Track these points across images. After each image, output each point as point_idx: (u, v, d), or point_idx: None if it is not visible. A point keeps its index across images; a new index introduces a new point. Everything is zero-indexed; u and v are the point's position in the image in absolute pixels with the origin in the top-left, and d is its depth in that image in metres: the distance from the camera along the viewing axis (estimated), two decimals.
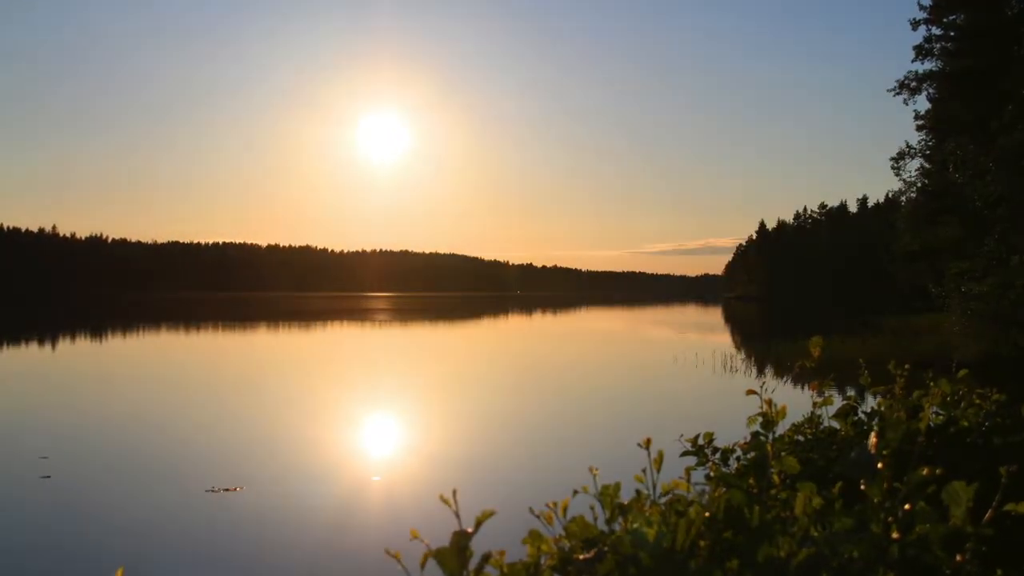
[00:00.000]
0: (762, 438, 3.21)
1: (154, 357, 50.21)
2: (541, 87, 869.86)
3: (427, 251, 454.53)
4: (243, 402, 28.83)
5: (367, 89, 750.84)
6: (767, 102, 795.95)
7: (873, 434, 2.18)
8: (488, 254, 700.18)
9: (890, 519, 2.04)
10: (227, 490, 15.70)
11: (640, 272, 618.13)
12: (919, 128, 67.03)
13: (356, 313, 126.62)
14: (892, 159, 68.50)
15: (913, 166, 68.63)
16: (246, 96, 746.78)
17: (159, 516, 14.46)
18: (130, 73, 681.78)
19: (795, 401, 3.91)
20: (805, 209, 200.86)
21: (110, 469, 18.10)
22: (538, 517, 2.32)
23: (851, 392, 4.67)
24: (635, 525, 2.24)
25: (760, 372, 38.11)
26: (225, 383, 35.46)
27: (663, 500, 2.45)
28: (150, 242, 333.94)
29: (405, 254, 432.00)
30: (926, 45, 65.14)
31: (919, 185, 68.86)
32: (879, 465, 2.09)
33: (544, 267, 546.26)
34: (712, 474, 3.62)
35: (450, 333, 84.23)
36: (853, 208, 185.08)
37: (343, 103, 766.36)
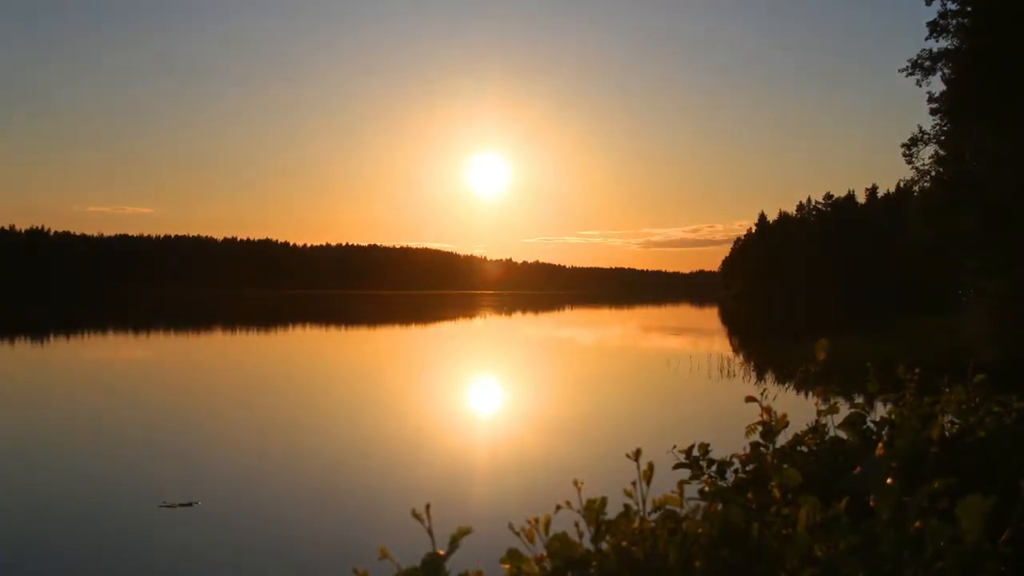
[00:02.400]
0: (762, 449, 3.22)
1: (104, 361, 49.95)
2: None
3: (398, 245, 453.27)
4: (199, 409, 28.70)
5: (473, 129, 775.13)
6: (765, 82, 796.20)
7: (881, 444, 2.19)
8: (464, 249, 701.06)
9: (900, 536, 2.05)
10: (182, 505, 15.64)
11: (630, 268, 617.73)
12: (933, 111, 67.07)
13: (312, 314, 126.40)
14: (904, 145, 68.64)
15: (927, 153, 68.72)
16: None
17: (107, 533, 14.39)
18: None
19: (798, 409, 3.93)
20: (809, 200, 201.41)
21: (53, 482, 17.96)
22: (518, 534, 2.33)
23: (859, 399, 4.69)
24: (623, 543, 2.25)
25: (760, 377, 38.20)
26: (178, 389, 35.30)
27: (654, 516, 2.46)
28: (96, 235, 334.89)
29: (373, 248, 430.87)
30: (941, 21, 65.28)
31: (933, 174, 68.97)
32: (888, 479, 2.10)
33: (525, 262, 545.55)
34: (707, 488, 3.63)
35: (423, 334, 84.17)
36: (861, 199, 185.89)
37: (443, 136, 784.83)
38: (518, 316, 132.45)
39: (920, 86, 67.01)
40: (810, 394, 4.21)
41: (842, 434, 4.19)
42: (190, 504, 15.73)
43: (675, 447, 3.95)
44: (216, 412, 28.15)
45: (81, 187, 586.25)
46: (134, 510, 15.60)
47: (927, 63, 65.72)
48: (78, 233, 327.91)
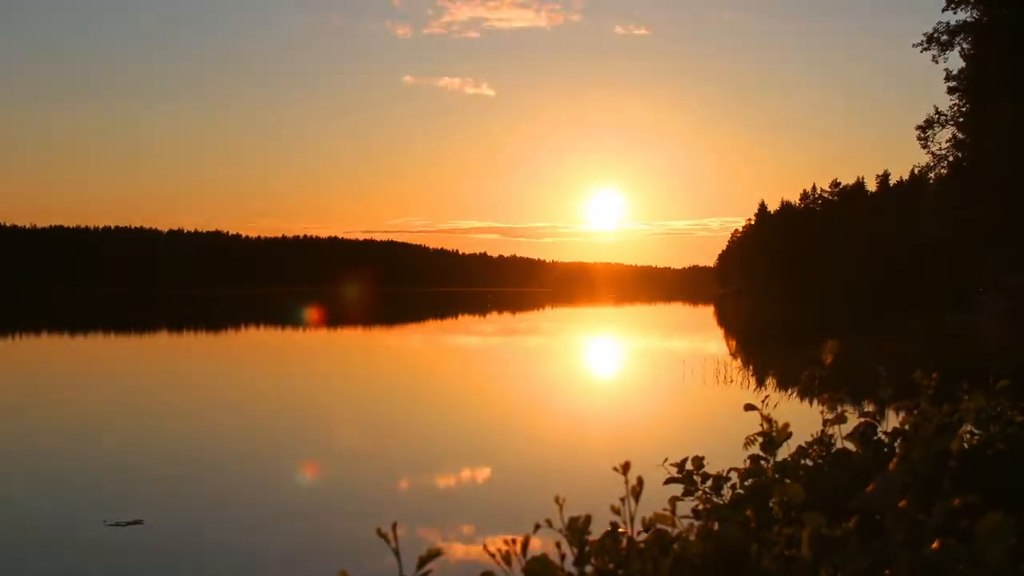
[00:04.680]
0: (762, 462, 3.23)
1: (32, 369, 49.76)
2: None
3: (361, 238, 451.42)
4: (142, 422, 28.59)
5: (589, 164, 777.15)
6: (764, 57, 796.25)
7: (894, 458, 2.20)
8: (435, 242, 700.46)
9: (915, 559, 2.05)
10: (128, 523, 15.64)
11: (616, 263, 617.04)
12: (951, 90, 66.89)
13: (272, 314, 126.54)
14: (918, 128, 68.46)
15: (944, 136, 68.53)
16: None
17: (49, 553, 14.43)
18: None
19: (801, 418, 3.93)
20: (814, 188, 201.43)
21: None
22: (493, 556, 2.32)
23: (869, 407, 4.70)
24: (609, 566, 2.25)
25: (760, 383, 38.27)
26: (119, 400, 35.17)
27: (643, 536, 2.46)
28: (28, 226, 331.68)
29: (333, 241, 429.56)
30: None
31: (951, 159, 68.86)
32: (902, 497, 2.11)
33: (501, 257, 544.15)
34: (702, 505, 3.64)
35: (392, 337, 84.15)
36: (872, 186, 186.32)
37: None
38: (493, 317, 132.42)
39: (936, 62, 66.96)
40: (815, 402, 4.21)
41: (850, 446, 4.19)
42: (136, 522, 15.74)
43: (667, 460, 3.96)
44: (161, 425, 28.03)
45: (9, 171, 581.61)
46: (77, 529, 15.62)
47: (944, 37, 65.61)
48: (8, 224, 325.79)
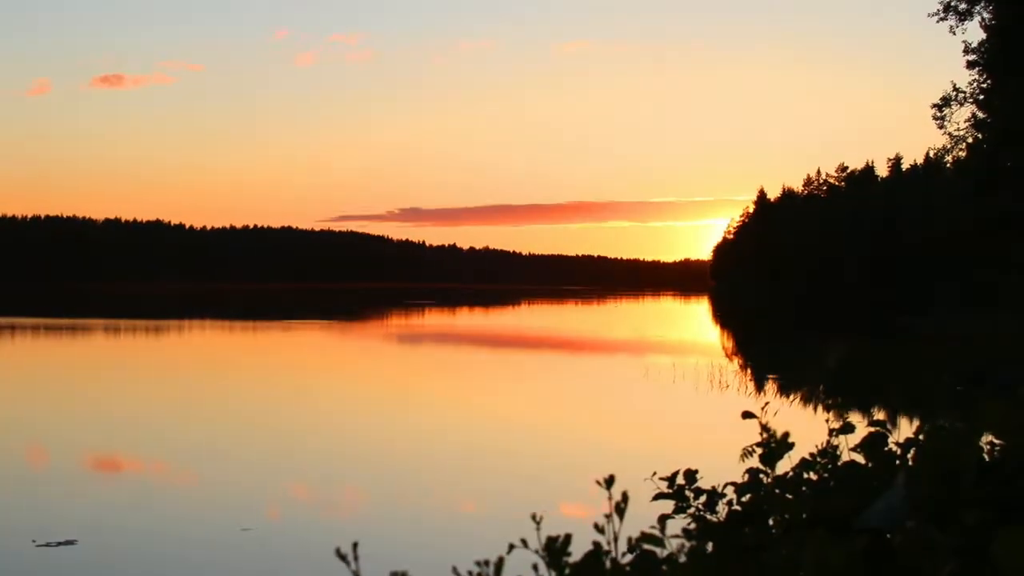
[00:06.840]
0: (760, 476, 3.24)
1: None
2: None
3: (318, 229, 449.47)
4: (76, 432, 28.49)
5: None
6: (764, 31, 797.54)
7: (906, 470, 2.21)
8: (399, 233, 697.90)
9: None
10: (60, 543, 15.63)
11: (601, 256, 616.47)
12: (970, 65, 66.75)
13: (214, 311, 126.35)
14: (934, 106, 68.36)
15: (962, 115, 68.37)
16: None
17: None
18: None
19: (804, 427, 3.95)
20: (819, 172, 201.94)
21: None
22: None
23: (879, 415, 4.71)
24: None
25: (759, 389, 38.28)
26: (47, 410, 35.03)
27: (628, 557, 2.46)
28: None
29: (287, 231, 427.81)
30: None
31: (970, 140, 68.78)
32: (914, 513, 2.12)
33: (472, 248, 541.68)
34: (694, 523, 3.65)
35: (353, 333, 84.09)
36: (882, 171, 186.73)
37: None
38: (464, 315, 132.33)
39: (954, 33, 66.83)
40: (819, 409, 4.24)
41: (858, 457, 4.20)
42: (68, 543, 15.72)
43: (655, 474, 3.96)
44: (93, 436, 27.93)
45: None
46: (5, 550, 15.60)
47: (962, 5, 65.43)
48: None
